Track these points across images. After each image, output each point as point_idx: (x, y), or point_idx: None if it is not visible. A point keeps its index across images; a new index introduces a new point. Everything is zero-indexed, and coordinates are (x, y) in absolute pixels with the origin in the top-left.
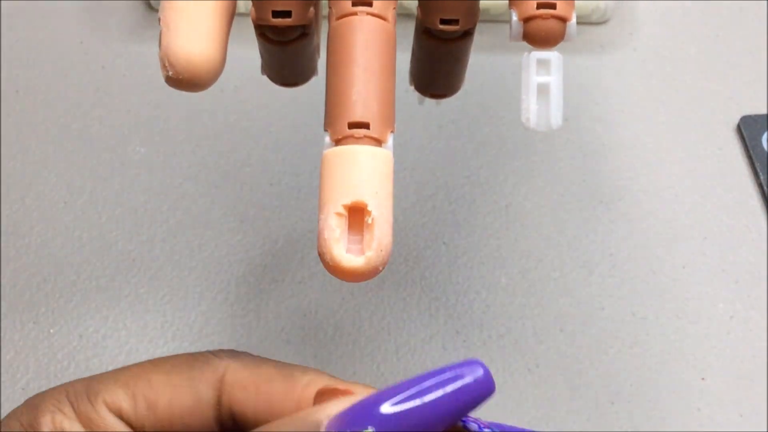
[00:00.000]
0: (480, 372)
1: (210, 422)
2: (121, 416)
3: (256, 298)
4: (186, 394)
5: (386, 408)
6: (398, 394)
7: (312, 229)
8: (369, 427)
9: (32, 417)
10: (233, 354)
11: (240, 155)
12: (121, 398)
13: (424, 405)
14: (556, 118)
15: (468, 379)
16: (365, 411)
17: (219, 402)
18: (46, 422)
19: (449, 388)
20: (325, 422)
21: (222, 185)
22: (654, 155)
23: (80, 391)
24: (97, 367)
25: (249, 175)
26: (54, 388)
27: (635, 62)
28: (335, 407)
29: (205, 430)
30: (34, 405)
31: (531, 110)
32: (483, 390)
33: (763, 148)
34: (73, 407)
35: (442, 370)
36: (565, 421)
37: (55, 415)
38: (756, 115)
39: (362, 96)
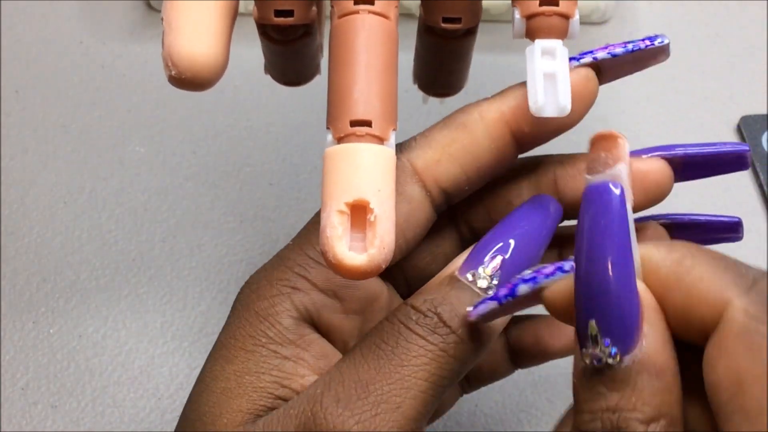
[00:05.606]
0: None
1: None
2: None
3: None
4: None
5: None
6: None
7: None
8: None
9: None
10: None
11: (240, 155)
12: None
13: None
14: (565, 102)
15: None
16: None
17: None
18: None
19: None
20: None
21: (222, 185)
22: None
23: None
24: (97, 367)
25: (249, 175)
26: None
27: None
28: (460, 258)
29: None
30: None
31: (539, 95)
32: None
33: (763, 148)
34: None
35: None
36: None
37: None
38: (756, 115)
39: (364, 94)
